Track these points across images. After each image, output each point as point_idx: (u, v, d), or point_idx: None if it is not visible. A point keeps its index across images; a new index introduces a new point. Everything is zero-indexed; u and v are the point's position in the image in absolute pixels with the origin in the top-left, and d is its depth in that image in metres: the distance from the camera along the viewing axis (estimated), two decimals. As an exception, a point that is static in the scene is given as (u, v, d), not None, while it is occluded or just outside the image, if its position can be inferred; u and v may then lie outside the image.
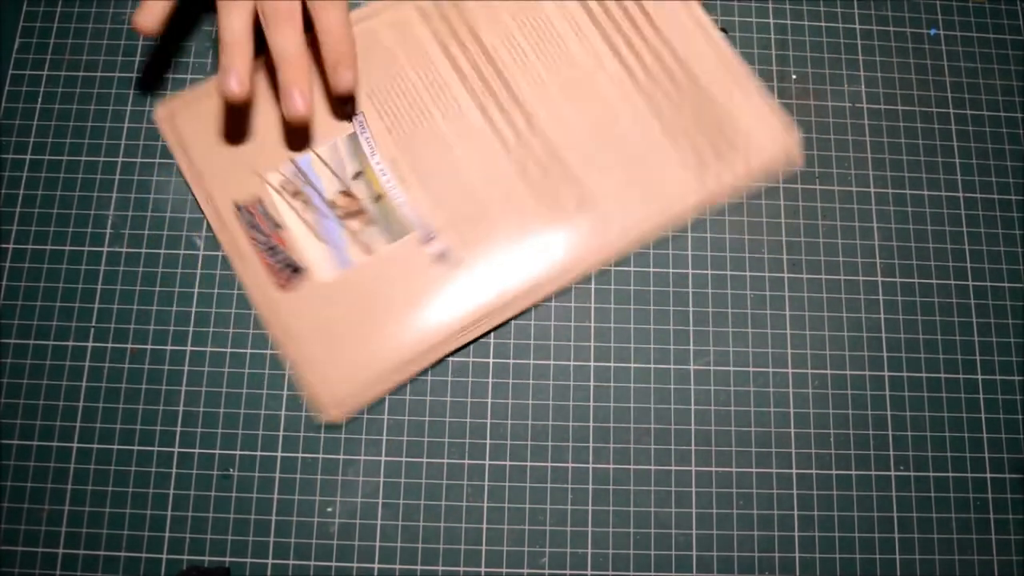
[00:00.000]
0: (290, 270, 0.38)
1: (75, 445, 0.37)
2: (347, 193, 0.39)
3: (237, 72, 0.36)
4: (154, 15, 0.38)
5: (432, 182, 0.40)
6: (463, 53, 0.42)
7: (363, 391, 0.37)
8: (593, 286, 0.40)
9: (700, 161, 0.40)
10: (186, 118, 0.40)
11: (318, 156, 0.40)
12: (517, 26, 0.42)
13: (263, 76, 0.41)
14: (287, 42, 0.37)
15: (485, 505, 0.37)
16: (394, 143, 0.40)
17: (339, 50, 0.38)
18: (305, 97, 0.37)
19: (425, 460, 0.38)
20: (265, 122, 0.40)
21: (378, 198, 0.39)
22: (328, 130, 0.40)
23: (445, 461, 0.38)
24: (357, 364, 0.38)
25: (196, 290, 0.39)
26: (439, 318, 0.38)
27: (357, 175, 0.40)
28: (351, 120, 0.40)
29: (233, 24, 0.37)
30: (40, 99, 0.42)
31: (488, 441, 0.38)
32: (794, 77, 0.43)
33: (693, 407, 0.38)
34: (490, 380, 0.38)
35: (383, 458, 0.38)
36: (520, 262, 0.39)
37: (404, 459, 0.38)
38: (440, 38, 0.42)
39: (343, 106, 0.41)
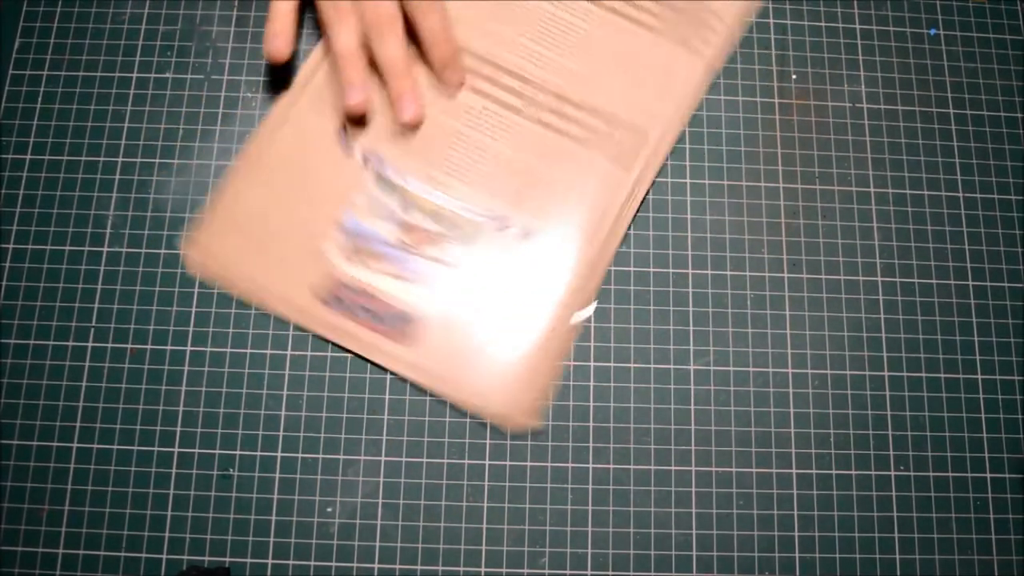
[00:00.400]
0: (402, 324, 0.38)
1: (75, 445, 0.37)
2: (406, 226, 0.39)
3: (355, 85, 0.38)
4: (286, 37, 0.39)
5: (472, 175, 0.40)
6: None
7: (533, 389, 0.38)
8: (593, 286, 0.40)
9: (688, 41, 0.42)
10: (218, 248, 0.39)
11: (358, 210, 0.39)
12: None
13: (270, 162, 0.40)
14: (392, 50, 0.38)
15: (485, 505, 0.37)
16: (416, 159, 0.40)
17: (444, 51, 0.39)
18: (418, 103, 0.39)
19: (425, 460, 0.38)
20: (293, 207, 0.39)
21: (436, 215, 0.39)
22: (350, 181, 0.40)
23: (445, 461, 0.38)
24: (511, 369, 0.38)
25: (196, 290, 0.39)
26: (551, 290, 0.39)
27: (405, 207, 0.39)
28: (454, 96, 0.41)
29: (343, 38, 0.38)
30: (40, 99, 0.42)
31: (488, 441, 0.38)
32: (794, 77, 0.43)
33: (693, 407, 0.38)
34: (490, 380, 0.38)
35: (383, 458, 0.38)
36: (589, 202, 0.40)
37: (404, 459, 0.38)
38: None
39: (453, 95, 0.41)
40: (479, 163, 0.40)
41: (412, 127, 0.40)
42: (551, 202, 0.40)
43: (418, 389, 0.38)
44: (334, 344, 0.38)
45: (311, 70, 0.41)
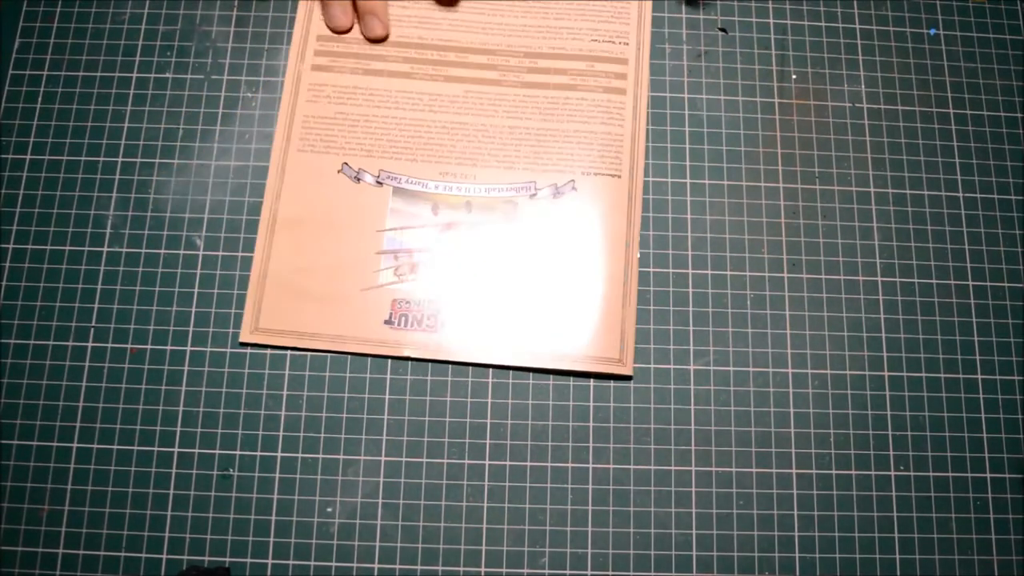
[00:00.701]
0: (476, 317, 0.38)
1: (75, 445, 0.37)
2: (443, 226, 0.40)
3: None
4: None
5: (484, 157, 0.41)
6: (381, 61, 0.42)
7: (620, 337, 0.38)
8: (593, 286, 0.40)
9: None
10: (275, 320, 0.38)
11: (391, 231, 0.39)
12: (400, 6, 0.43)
13: (290, 216, 0.40)
14: None
15: (485, 505, 0.37)
16: (425, 163, 0.41)
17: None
18: (385, 22, 0.42)
19: (425, 460, 0.38)
20: (331, 251, 0.39)
21: (467, 206, 0.40)
22: (373, 205, 0.40)
23: (445, 461, 0.38)
24: (595, 323, 0.38)
25: (196, 290, 0.39)
26: (604, 233, 0.40)
27: (435, 208, 0.40)
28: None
29: None
30: (40, 99, 0.42)
31: (488, 441, 0.38)
32: (794, 77, 0.43)
33: (693, 407, 0.38)
34: (490, 380, 0.38)
35: (383, 458, 0.38)
36: (600, 137, 0.41)
37: (404, 459, 0.38)
38: (350, 70, 0.42)
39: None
40: (485, 143, 0.41)
41: (379, 41, 0.42)
42: (567, 152, 0.41)
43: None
44: (413, 360, 0.38)
45: (288, 105, 0.41)
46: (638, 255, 0.40)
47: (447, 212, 0.40)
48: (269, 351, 0.38)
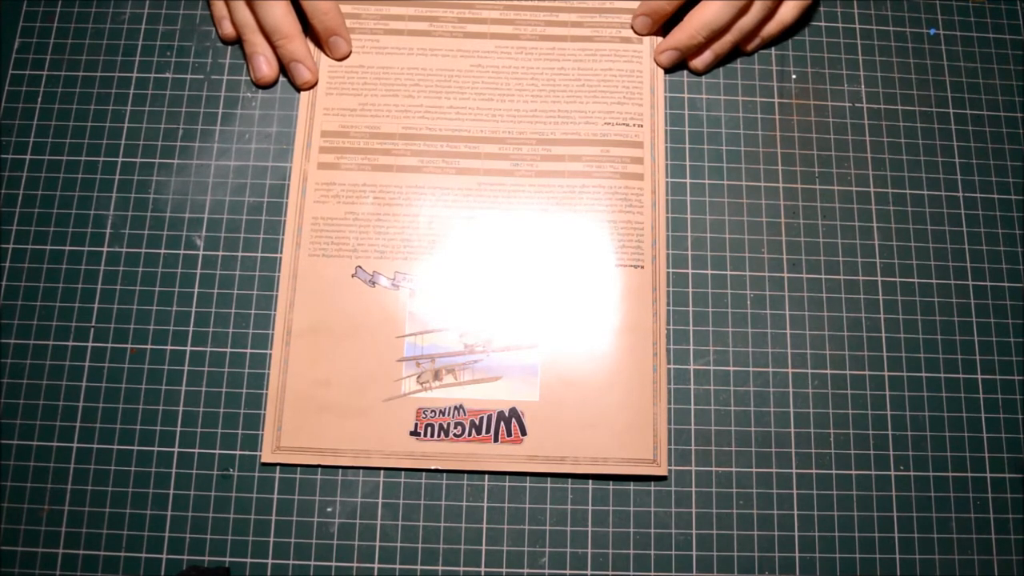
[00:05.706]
0: (505, 422, 0.37)
1: (75, 445, 0.37)
2: (465, 329, 0.38)
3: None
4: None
5: (500, 251, 0.39)
6: (390, 156, 0.40)
7: (650, 436, 0.37)
8: (593, 286, 0.40)
9: (622, 33, 0.42)
10: (301, 439, 0.37)
11: (411, 336, 0.38)
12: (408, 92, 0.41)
13: (305, 327, 0.38)
14: (276, 15, 0.40)
15: (485, 505, 0.37)
16: (441, 260, 0.39)
17: (328, 22, 0.40)
18: (312, 68, 0.41)
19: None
20: (352, 361, 0.38)
21: (491, 302, 0.38)
22: (391, 309, 0.38)
23: (445, 461, 0.38)
24: (623, 425, 0.37)
25: (196, 290, 0.39)
26: (630, 330, 0.38)
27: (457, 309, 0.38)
28: None
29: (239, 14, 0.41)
30: (40, 99, 0.42)
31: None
32: (794, 77, 0.43)
33: (693, 407, 0.38)
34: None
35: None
36: (621, 228, 0.39)
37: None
38: (357, 167, 0.40)
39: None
40: (501, 234, 0.39)
41: (306, 88, 0.41)
42: (587, 243, 0.39)
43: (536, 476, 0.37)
44: (447, 471, 0.37)
45: (296, 207, 0.40)
46: (667, 348, 0.39)
47: (470, 312, 0.38)
48: (269, 351, 0.38)
